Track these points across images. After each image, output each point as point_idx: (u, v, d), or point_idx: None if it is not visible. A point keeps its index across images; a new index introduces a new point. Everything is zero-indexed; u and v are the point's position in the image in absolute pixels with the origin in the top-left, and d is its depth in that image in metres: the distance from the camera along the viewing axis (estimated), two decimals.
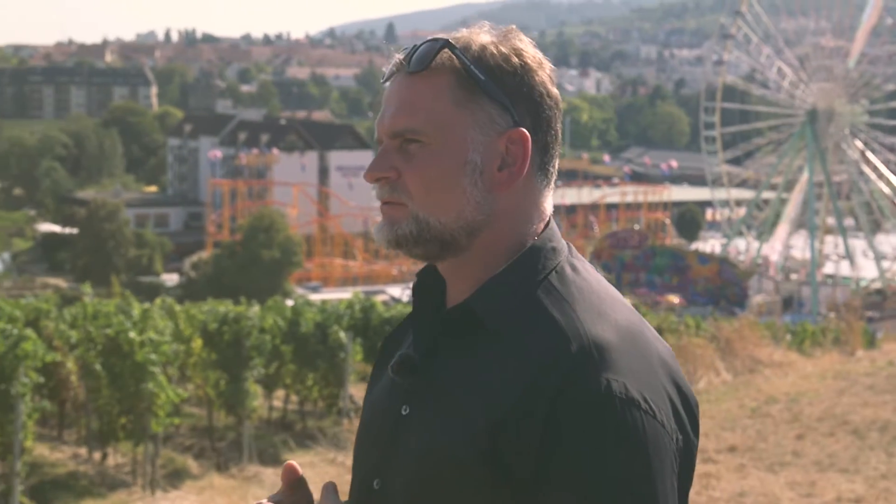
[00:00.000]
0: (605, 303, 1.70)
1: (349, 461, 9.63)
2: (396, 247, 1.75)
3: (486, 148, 1.72)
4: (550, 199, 1.80)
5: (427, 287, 1.84)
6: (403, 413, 1.72)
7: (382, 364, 1.85)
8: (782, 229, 66.29)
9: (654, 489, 1.58)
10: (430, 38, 1.75)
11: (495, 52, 1.73)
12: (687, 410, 1.69)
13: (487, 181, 1.72)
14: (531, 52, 1.75)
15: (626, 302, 1.74)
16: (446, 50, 1.73)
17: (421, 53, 1.73)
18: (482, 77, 1.71)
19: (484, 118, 1.71)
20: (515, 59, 1.73)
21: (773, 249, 66.12)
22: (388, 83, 1.78)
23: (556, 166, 1.79)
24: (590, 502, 1.56)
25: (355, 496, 1.79)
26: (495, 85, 1.71)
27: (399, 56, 1.76)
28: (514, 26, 1.80)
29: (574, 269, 1.74)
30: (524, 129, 1.72)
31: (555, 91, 1.76)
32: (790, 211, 65.77)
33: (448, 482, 1.63)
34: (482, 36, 1.75)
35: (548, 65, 1.77)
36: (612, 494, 1.56)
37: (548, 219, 1.79)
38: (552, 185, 1.79)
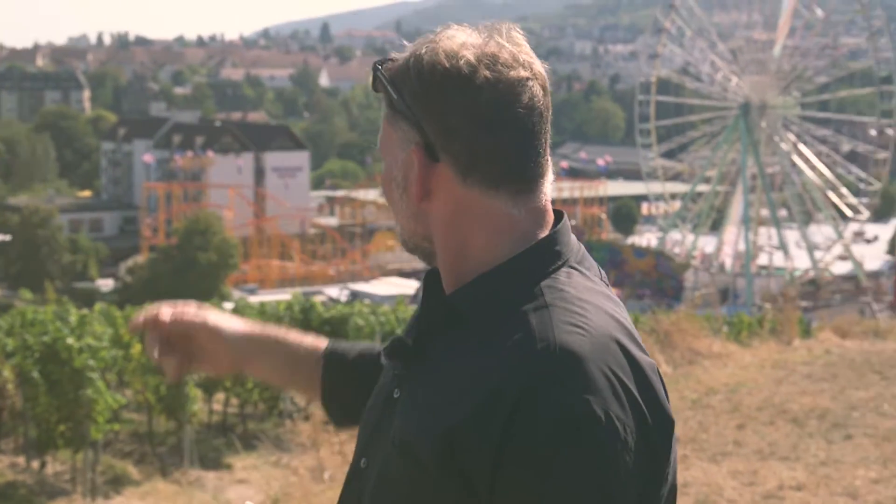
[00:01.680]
0: (587, 312, 1.66)
1: (294, 462, 9.59)
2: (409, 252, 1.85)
3: (404, 163, 1.75)
4: (522, 202, 1.73)
5: (434, 283, 1.84)
6: (395, 396, 1.75)
7: None
8: (729, 230, 66.75)
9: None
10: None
11: (414, 65, 1.72)
12: (662, 427, 1.65)
13: (410, 194, 1.75)
14: (466, 59, 1.69)
15: (618, 312, 1.71)
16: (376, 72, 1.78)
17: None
18: (395, 95, 1.73)
19: (401, 135, 1.75)
20: (439, 69, 1.69)
21: (723, 252, 66.57)
22: None
23: (521, 168, 1.72)
24: None
25: (348, 474, 1.83)
26: (403, 101, 1.72)
27: None
28: (452, 30, 1.75)
29: (569, 276, 1.72)
30: (418, 146, 1.72)
31: (492, 96, 1.68)
32: (735, 209, 66.09)
33: (407, 473, 1.64)
34: (427, 45, 1.73)
35: (484, 70, 1.69)
36: None
37: (519, 226, 1.73)
38: (513, 187, 1.72)
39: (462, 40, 1.71)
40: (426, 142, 1.71)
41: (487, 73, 1.68)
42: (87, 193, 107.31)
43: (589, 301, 1.68)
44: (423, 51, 1.72)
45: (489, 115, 1.69)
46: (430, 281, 1.84)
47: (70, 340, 11.05)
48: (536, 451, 1.55)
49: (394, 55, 1.77)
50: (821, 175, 64.27)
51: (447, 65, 1.69)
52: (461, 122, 1.69)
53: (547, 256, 1.73)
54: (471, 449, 1.57)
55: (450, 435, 1.59)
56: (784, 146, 64.30)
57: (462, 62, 1.69)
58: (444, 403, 1.62)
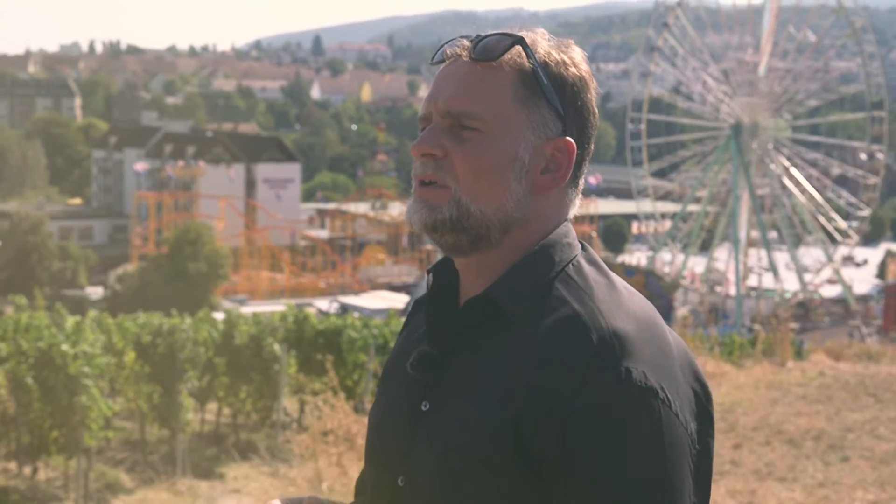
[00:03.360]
0: (622, 295, 1.73)
1: (291, 473, 9.55)
2: (431, 230, 1.75)
3: (534, 149, 1.76)
4: (576, 208, 1.86)
5: (440, 282, 1.84)
6: (423, 409, 1.73)
7: (397, 361, 1.87)
8: (723, 250, 66.79)
9: (671, 476, 1.61)
10: (498, 31, 1.78)
11: (558, 59, 1.77)
12: (705, 400, 1.72)
13: (530, 181, 1.76)
14: (586, 67, 1.80)
15: (641, 295, 1.76)
16: (517, 46, 1.76)
17: (491, 44, 1.76)
18: (546, 81, 1.75)
19: (539, 120, 1.76)
20: (574, 71, 1.78)
21: (729, 271, 66.47)
22: (441, 65, 1.81)
23: (585, 179, 1.85)
24: (608, 490, 1.59)
25: (380, 494, 1.79)
26: (555, 92, 1.76)
27: (465, 41, 1.78)
28: (571, 40, 1.84)
29: (591, 262, 1.78)
30: (572, 140, 1.77)
31: (596, 109, 1.82)
32: (731, 229, 66.13)
33: (476, 475, 1.64)
34: (543, 42, 1.79)
35: (595, 82, 1.82)
36: (630, 482, 1.59)
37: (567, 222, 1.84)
38: (580, 195, 1.85)
39: (580, 52, 1.82)
40: (573, 136, 1.78)
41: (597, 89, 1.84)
42: (77, 201, 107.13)
43: (619, 284, 1.76)
44: (563, 50, 1.80)
45: (597, 128, 1.84)
46: (438, 279, 1.84)
47: (65, 347, 11.02)
48: (603, 422, 1.60)
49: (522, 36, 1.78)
50: (811, 198, 64.36)
51: (591, 75, 1.81)
52: (592, 132, 1.82)
53: (564, 246, 1.79)
54: (539, 432, 1.61)
55: (517, 423, 1.62)
56: (774, 168, 64.38)
57: (590, 75, 1.82)
58: (500, 397, 1.65)
